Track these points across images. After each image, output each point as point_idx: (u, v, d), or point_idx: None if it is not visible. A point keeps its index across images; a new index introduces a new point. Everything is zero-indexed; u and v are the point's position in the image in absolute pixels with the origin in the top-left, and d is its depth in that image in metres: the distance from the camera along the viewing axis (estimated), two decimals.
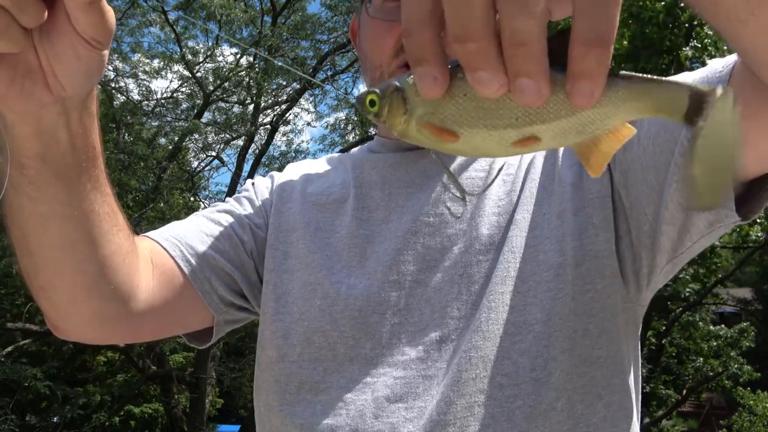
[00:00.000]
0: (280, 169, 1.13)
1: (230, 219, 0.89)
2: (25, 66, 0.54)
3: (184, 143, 10.21)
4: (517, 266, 0.75)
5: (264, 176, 1.00)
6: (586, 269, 0.75)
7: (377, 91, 0.40)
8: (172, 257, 0.82)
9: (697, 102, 0.34)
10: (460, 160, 0.85)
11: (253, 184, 0.97)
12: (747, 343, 11.99)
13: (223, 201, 0.95)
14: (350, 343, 0.78)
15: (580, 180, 0.78)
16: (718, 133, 0.34)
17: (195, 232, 0.86)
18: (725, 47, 7.29)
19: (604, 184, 0.77)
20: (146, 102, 10.28)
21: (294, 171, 0.97)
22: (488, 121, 0.36)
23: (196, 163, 11.68)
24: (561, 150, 0.82)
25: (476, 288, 0.76)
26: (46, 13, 0.50)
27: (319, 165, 0.98)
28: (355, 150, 0.99)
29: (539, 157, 0.83)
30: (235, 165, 9.98)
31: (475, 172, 0.84)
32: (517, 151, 0.38)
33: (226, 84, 9.66)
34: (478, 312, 0.74)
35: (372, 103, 0.40)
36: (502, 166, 0.84)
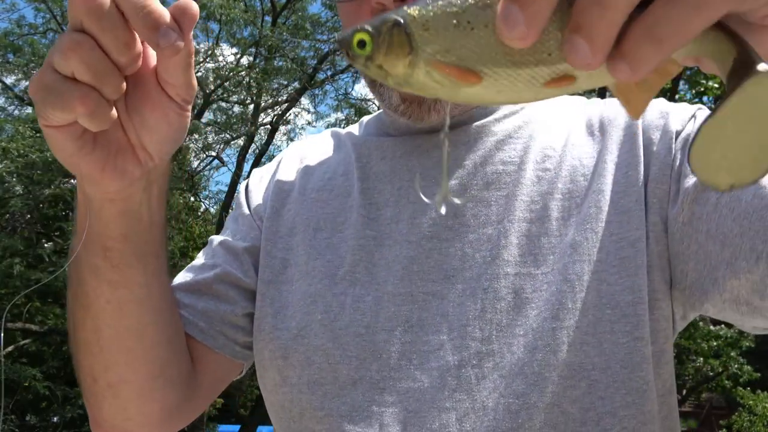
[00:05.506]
0: None
1: (225, 255, 0.80)
2: (115, 144, 0.55)
3: (184, 143, 10.22)
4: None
5: (263, 166, 0.91)
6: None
7: (368, 28, 0.31)
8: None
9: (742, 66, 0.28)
10: (483, 150, 0.72)
11: (247, 188, 0.88)
12: (747, 343, 11.99)
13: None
14: (354, 364, 0.67)
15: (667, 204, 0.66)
16: (750, 106, 0.28)
17: (192, 289, 0.78)
18: None
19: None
20: None
21: (295, 156, 0.87)
22: (516, 56, 0.30)
23: (196, 163, 11.70)
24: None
25: (502, 306, 0.65)
26: (125, 85, 0.51)
27: (321, 146, 0.86)
28: (354, 128, 0.87)
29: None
30: (235, 165, 9.98)
31: (502, 166, 0.71)
32: (548, 93, 0.32)
33: (227, 84, 9.66)
34: (505, 337, 0.64)
35: (362, 43, 0.32)
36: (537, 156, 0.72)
